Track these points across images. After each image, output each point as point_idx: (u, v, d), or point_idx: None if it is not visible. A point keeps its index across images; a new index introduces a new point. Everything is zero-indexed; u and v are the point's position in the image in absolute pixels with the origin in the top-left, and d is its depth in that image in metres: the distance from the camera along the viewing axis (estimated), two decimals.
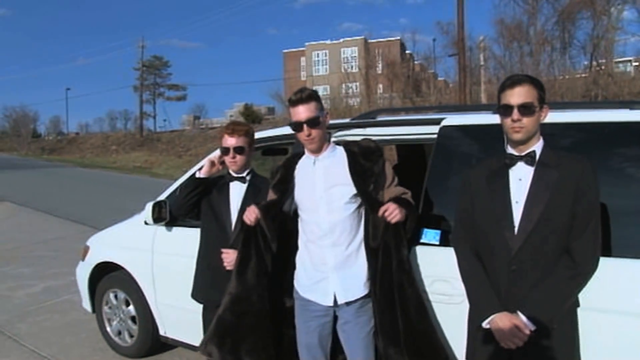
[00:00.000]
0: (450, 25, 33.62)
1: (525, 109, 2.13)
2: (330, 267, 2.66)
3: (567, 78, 21.20)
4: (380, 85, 35.15)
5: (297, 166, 2.82)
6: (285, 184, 2.82)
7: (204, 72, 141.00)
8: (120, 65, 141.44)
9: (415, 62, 41.98)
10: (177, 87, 54.88)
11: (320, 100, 2.70)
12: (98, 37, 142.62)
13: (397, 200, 2.60)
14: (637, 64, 25.47)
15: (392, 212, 2.52)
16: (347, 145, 2.78)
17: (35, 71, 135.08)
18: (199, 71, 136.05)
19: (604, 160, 2.44)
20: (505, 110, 2.17)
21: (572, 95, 18.23)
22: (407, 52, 48.92)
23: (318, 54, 60.09)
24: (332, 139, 3.42)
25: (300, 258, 2.79)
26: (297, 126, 2.62)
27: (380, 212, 2.54)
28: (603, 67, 22.08)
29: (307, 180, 2.74)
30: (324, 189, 2.67)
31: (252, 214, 2.74)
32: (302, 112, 2.60)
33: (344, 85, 32.04)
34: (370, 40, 50.92)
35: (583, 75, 22.63)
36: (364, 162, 2.68)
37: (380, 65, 39.39)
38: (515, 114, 2.14)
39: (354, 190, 2.64)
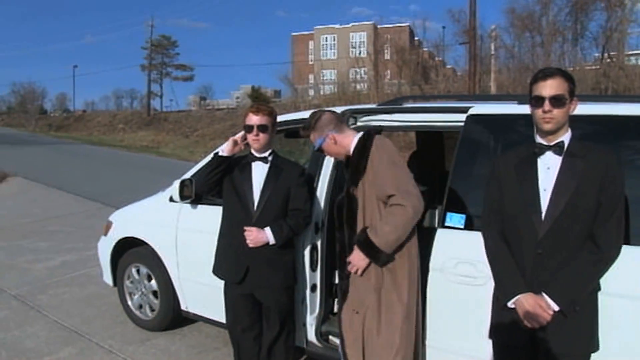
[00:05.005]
0: (461, 13, 33.37)
1: (556, 101, 2.23)
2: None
3: (577, 69, 21.11)
4: (389, 72, 35.04)
5: None
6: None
7: (211, 53, 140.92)
8: (127, 44, 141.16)
9: (424, 50, 41.76)
10: (184, 68, 54.66)
11: (324, 125, 2.96)
12: (107, 15, 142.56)
13: (365, 242, 2.72)
14: None
15: (353, 267, 2.79)
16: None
17: (43, 48, 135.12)
18: (206, 52, 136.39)
19: (626, 153, 2.54)
20: (536, 101, 2.27)
21: (582, 87, 18.14)
22: (416, 38, 48.67)
23: (327, 38, 59.92)
24: (359, 124, 3.53)
25: None
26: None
27: (348, 260, 2.82)
28: (614, 60, 21.94)
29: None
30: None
31: None
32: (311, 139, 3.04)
33: (352, 70, 31.90)
34: (379, 26, 50.72)
35: (594, 67, 22.51)
36: (354, 159, 2.87)
37: (388, 51, 39.22)
38: (547, 105, 2.23)
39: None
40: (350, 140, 2.89)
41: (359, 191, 2.79)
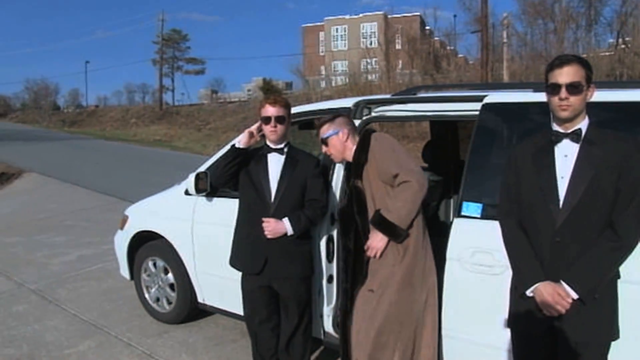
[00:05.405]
0: (472, 1, 33.14)
1: (573, 88, 2.20)
2: None
3: (591, 56, 20.84)
4: (400, 62, 34.84)
5: None
6: None
7: (222, 46, 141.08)
8: (138, 38, 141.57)
9: (436, 39, 41.46)
10: (195, 61, 55.04)
11: (342, 122, 3.16)
12: (117, 10, 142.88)
13: (380, 221, 2.86)
14: None
15: (372, 250, 2.91)
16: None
17: (55, 44, 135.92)
18: (217, 45, 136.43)
19: None
20: (553, 88, 2.24)
21: (596, 74, 17.82)
22: (427, 28, 48.36)
23: (337, 29, 59.66)
24: (373, 114, 3.53)
25: None
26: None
27: (366, 247, 2.94)
28: (629, 46, 21.60)
29: None
30: None
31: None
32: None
33: (363, 61, 31.75)
34: (390, 16, 50.47)
35: (608, 53, 22.19)
36: (355, 155, 3.06)
37: (400, 41, 38.99)
38: (563, 92, 2.21)
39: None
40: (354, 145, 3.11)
41: (365, 182, 2.98)
